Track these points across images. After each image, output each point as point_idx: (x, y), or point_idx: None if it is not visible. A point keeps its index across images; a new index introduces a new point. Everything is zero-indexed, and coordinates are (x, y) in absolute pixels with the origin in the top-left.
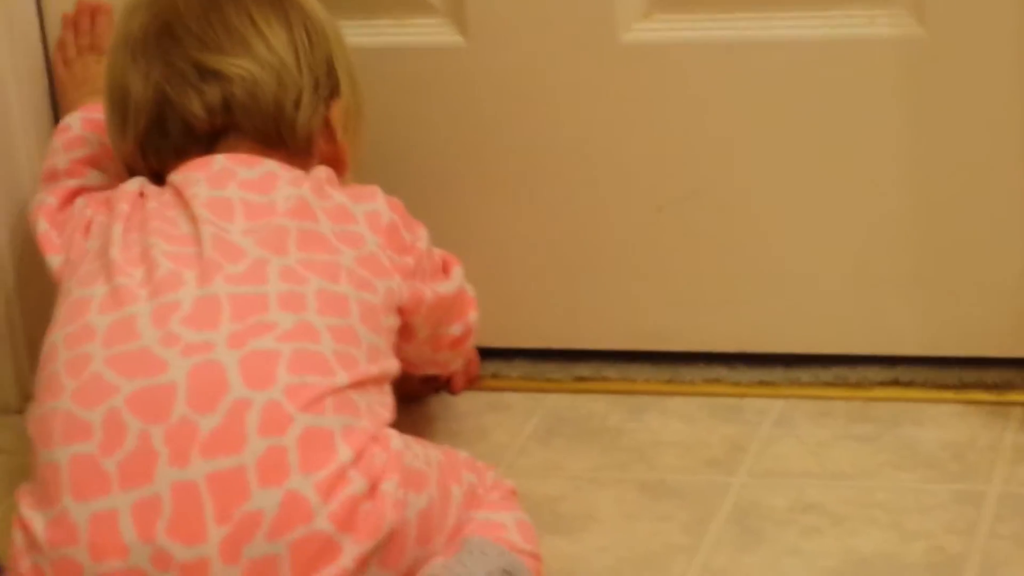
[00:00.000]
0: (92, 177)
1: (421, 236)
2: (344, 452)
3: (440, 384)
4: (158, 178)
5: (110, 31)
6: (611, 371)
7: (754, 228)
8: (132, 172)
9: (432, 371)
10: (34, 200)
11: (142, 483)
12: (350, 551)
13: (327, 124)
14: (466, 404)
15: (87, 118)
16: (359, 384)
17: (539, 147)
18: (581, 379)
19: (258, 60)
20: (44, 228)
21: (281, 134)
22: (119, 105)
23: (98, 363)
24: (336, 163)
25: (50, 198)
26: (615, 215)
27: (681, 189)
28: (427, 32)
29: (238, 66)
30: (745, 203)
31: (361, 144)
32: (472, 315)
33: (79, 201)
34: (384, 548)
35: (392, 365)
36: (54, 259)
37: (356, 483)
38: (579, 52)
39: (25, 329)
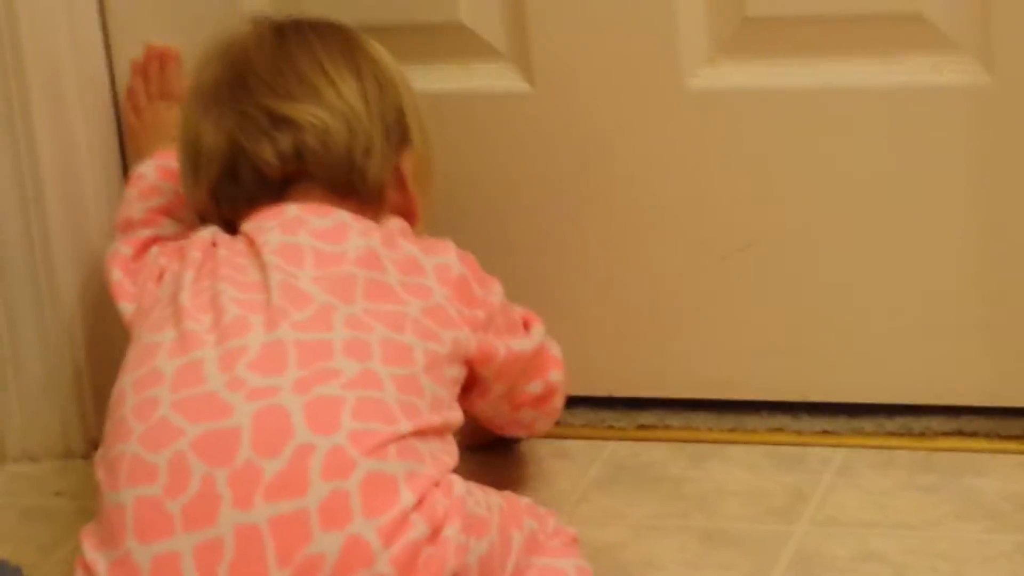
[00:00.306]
0: (166, 226)
1: (494, 291)
2: (407, 497)
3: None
4: (230, 226)
5: (179, 77)
6: (674, 419)
7: (818, 277)
8: (205, 221)
9: (518, 432)
10: (109, 249)
11: (205, 525)
12: None
13: (398, 173)
14: (528, 451)
15: (161, 166)
16: (421, 433)
17: (602, 193)
18: (644, 427)
19: (329, 108)
20: (118, 277)
21: (352, 182)
22: (192, 155)
23: (165, 407)
24: (407, 213)
25: (125, 248)
26: (679, 263)
27: (745, 237)
28: (493, 78)
29: (310, 113)
30: (809, 251)
31: (432, 194)
32: (554, 374)
33: (153, 250)
34: None
35: (455, 416)
36: (127, 307)
37: (418, 528)
38: (644, 98)
39: (91, 377)
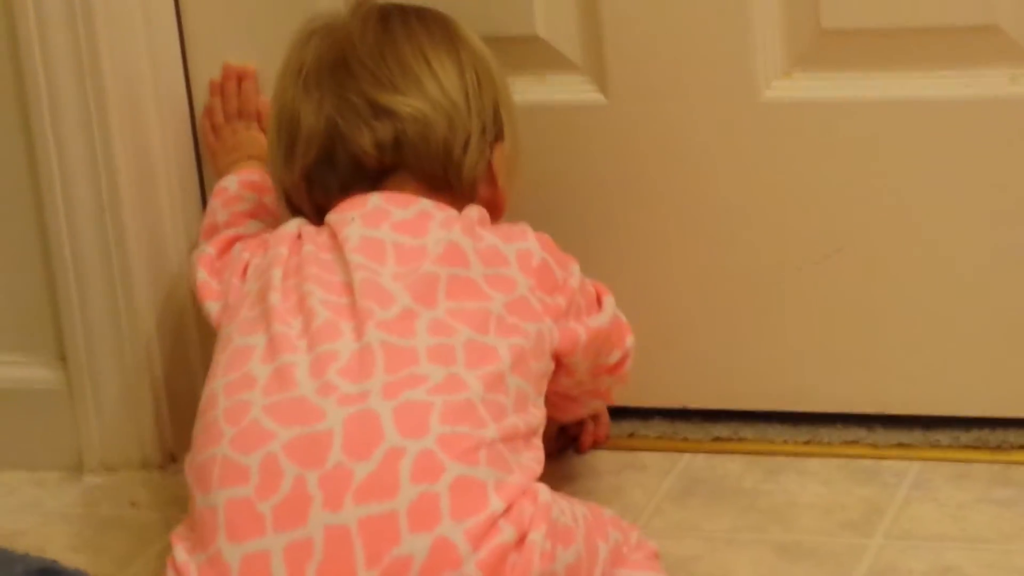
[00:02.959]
0: (251, 226)
1: (573, 272)
2: (495, 503)
3: (567, 443)
4: (319, 213)
5: (256, 95)
6: (748, 431)
7: (894, 288)
8: (292, 205)
9: (590, 400)
10: (194, 252)
11: (295, 526)
12: None
13: (489, 168)
14: (603, 463)
15: (243, 180)
16: (509, 439)
17: (678, 205)
18: (718, 439)
19: (430, 100)
20: (203, 277)
21: (448, 177)
22: (288, 133)
23: (257, 410)
24: (494, 208)
25: (209, 248)
26: (754, 274)
27: (820, 248)
28: (568, 90)
29: (411, 105)
30: (885, 263)
31: (515, 187)
32: (629, 339)
33: (236, 246)
34: None
35: (539, 416)
36: (212, 306)
37: (506, 533)
38: (719, 110)
39: (168, 389)
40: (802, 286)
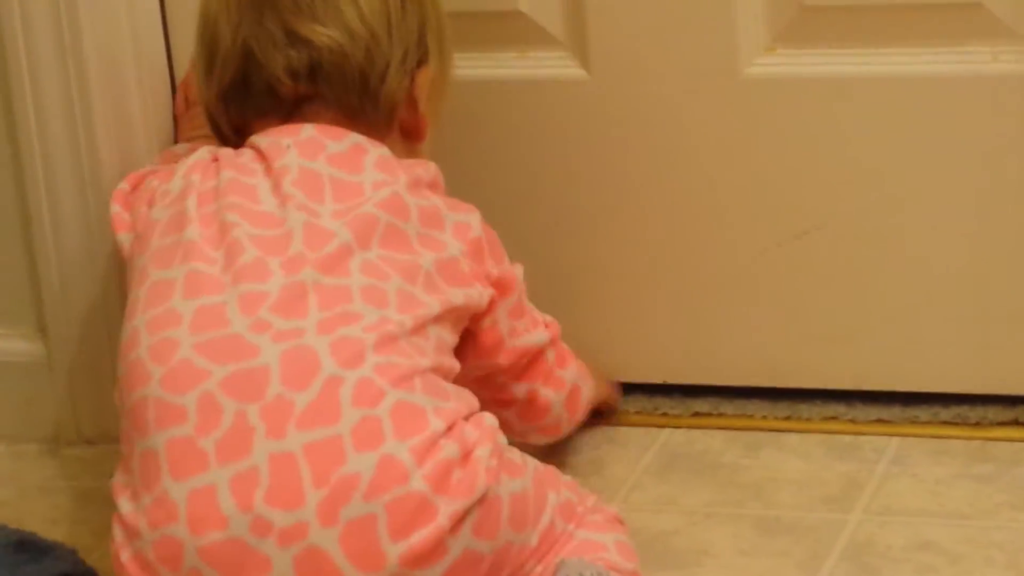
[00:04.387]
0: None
1: (507, 268)
2: (436, 423)
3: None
4: (239, 135)
5: None
6: (728, 407)
7: (874, 265)
8: (214, 124)
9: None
10: None
11: (240, 457)
12: (445, 510)
13: (410, 93)
14: (582, 437)
15: (192, 147)
16: (438, 371)
17: (659, 181)
18: (698, 414)
19: (348, 30)
20: (116, 210)
21: (364, 106)
22: (208, 50)
23: (187, 349)
24: (415, 132)
25: (124, 184)
26: (735, 250)
27: (800, 225)
28: (550, 65)
29: (327, 35)
30: (865, 239)
31: (442, 110)
32: (571, 367)
33: (148, 179)
34: (478, 515)
35: (456, 365)
36: (124, 238)
37: (448, 449)
38: (701, 86)
39: None
40: (782, 262)
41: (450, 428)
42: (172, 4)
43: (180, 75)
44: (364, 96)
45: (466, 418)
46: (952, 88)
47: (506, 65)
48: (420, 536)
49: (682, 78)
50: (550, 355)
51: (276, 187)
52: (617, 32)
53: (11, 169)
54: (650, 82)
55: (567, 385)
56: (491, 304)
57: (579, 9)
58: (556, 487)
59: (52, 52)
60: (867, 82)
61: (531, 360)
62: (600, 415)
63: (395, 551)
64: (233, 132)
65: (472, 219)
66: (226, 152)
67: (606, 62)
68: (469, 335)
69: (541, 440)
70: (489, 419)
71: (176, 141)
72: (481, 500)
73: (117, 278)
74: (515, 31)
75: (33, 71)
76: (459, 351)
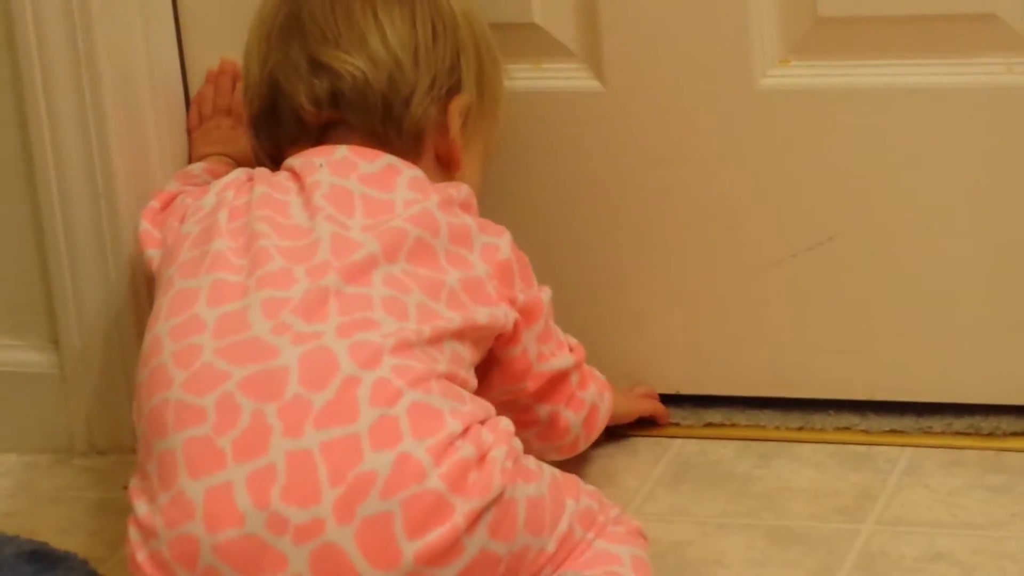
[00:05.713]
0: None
1: (535, 293)
2: (453, 424)
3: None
4: (273, 162)
5: None
6: (741, 417)
7: (887, 276)
8: (254, 152)
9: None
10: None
11: (257, 455)
12: (461, 509)
13: (441, 122)
14: (595, 447)
15: (208, 167)
16: (454, 379)
17: (673, 192)
18: (710, 425)
19: (371, 57)
20: (145, 227)
21: (387, 131)
22: (244, 82)
23: (208, 353)
24: (448, 159)
25: (154, 202)
26: (749, 261)
27: (814, 236)
28: (564, 77)
29: (351, 63)
30: (879, 251)
31: (490, 145)
32: (592, 388)
33: (179, 197)
34: (494, 515)
35: (471, 378)
36: (153, 253)
37: (465, 449)
38: (715, 98)
39: None
40: (796, 273)
41: (466, 430)
42: (186, 18)
43: (194, 90)
44: (387, 122)
45: (482, 422)
46: (967, 100)
47: (521, 77)
48: (436, 534)
49: (696, 89)
50: (574, 378)
51: (307, 202)
52: (631, 44)
53: (25, 182)
54: (664, 94)
55: (587, 406)
56: (517, 330)
57: (593, 21)
58: (575, 494)
59: (67, 67)
60: (881, 94)
61: (555, 383)
62: (652, 424)
63: (411, 549)
64: (270, 160)
65: (501, 242)
66: (261, 171)
67: (620, 74)
68: (497, 362)
69: (556, 457)
70: (504, 423)
71: (189, 156)
72: (497, 500)
73: (130, 289)
74: (530, 43)
75: (47, 85)
76: (487, 377)
